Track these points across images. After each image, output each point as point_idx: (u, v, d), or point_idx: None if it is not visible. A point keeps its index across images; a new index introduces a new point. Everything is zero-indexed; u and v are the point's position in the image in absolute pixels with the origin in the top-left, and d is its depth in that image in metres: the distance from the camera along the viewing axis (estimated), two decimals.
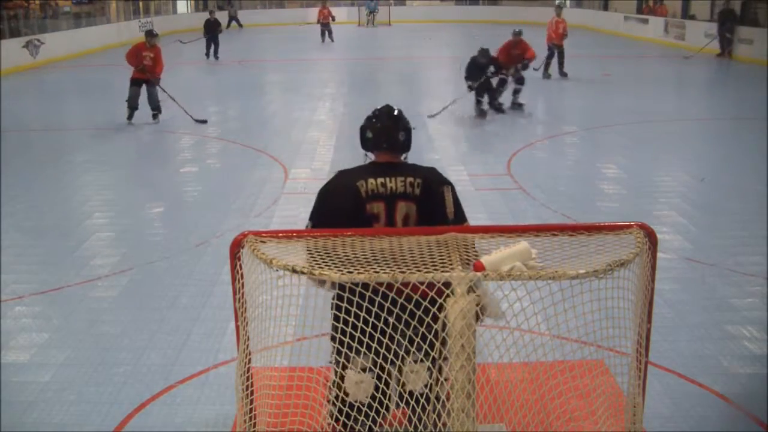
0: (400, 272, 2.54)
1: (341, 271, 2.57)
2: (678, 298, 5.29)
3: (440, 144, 10.56)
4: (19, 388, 4.27)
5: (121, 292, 5.67)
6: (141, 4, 31.76)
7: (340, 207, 3.19)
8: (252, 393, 2.95)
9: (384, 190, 3.16)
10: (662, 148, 10.37)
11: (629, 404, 3.00)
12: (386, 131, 3.30)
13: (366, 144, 3.36)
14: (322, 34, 27.08)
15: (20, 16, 22.47)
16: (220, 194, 8.13)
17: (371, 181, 3.17)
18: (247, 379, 2.93)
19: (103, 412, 4.00)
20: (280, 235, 2.89)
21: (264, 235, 2.81)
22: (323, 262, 2.64)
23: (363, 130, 3.35)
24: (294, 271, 2.57)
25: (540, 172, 8.98)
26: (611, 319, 2.80)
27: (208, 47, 21.75)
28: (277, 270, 2.65)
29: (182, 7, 35.57)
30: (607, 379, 3.31)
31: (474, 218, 7.18)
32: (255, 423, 2.94)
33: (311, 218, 3.23)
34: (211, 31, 21.57)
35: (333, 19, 27.45)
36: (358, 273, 2.54)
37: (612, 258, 2.62)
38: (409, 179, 3.19)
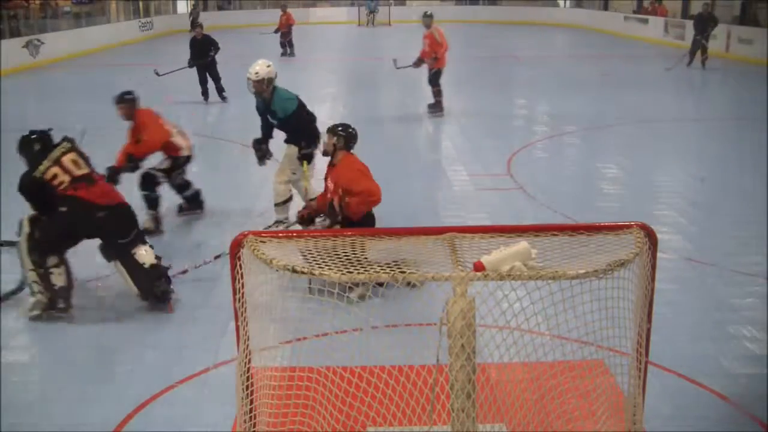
0: (400, 272, 2.55)
1: (341, 270, 2.58)
2: (678, 298, 5.29)
3: (440, 144, 10.56)
4: (19, 388, 4.28)
5: (121, 292, 5.66)
6: (141, 4, 31.71)
7: None
8: (252, 393, 2.95)
9: None
10: (662, 148, 10.37)
11: (629, 404, 3.00)
12: None
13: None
14: (283, 45, 21.65)
15: (20, 16, 22.47)
16: (220, 194, 8.13)
17: None
18: (247, 379, 2.93)
19: (103, 412, 4.00)
20: (280, 235, 2.90)
21: (264, 235, 2.82)
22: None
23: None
24: (294, 271, 2.57)
25: (540, 172, 8.98)
26: (611, 319, 2.80)
27: (203, 82, 13.88)
28: (277, 270, 2.66)
29: (182, 7, 35.53)
30: (607, 379, 3.31)
31: (474, 218, 7.23)
32: (255, 423, 2.94)
33: None
34: (202, 55, 13.66)
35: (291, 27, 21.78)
36: (358, 273, 2.55)
37: (612, 258, 2.62)
38: None
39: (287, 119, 6.54)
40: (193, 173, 9.34)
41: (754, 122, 11.43)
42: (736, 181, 8.42)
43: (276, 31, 21.99)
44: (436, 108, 12.35)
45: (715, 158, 9.73)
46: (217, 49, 13.71)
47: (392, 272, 2.54)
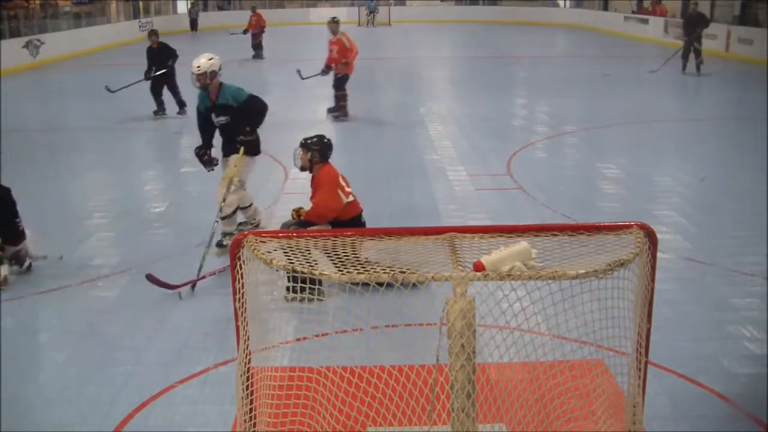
0: (400, 272, 2.55)
1: (340, 270, 2.58)
2: (678, 298, 5.29)
3: (440, 144, 10.56)
4: (19, 388, 4.28)
5: (121, 292, 5.67)
6: (141, 4, 31.76)
7: None
8: (252, 393, 2.95)
9: None
10: (662, 148, 10.37)
11: (629, 404, 3.00)
12: None
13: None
14: (255, 48, 21.35)
15: (20, 16, 22.48)
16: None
17: None
18: (247, 379, 2.93)
19: (103, 412, 4.00)
20: (280, 235, 2.90)
21: (264, 235, 2.82)
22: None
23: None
24: (294, 271, 2.57)
25: (540, 172, 8.98)
26: (611, 319, 2.80)
27: (156, 94, 12.62)
28: (277, 270, 2.65)
29: (182, 7, 35.55)
30: (607, 379, 3.31)
31: (474, 218, 7.23)
32: (255, 423, 2.94)
33: None
34: (159, 64, 12.41)
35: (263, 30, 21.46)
36: (358, 273, 2.55)
37: (612, 258, 2.62)
38: None
39: (240, 108, 6.34)
40: (193, 173, 9.34)
41: (754, 122, 11.43)
42: (736, 181, 8.41)
43: (245, 32, 21.55)
44: (338, 112, 12.41)
45: (715, 158, 9.73)
46: (175, 58, 12.48)
47: (393, 272, 2.54)
